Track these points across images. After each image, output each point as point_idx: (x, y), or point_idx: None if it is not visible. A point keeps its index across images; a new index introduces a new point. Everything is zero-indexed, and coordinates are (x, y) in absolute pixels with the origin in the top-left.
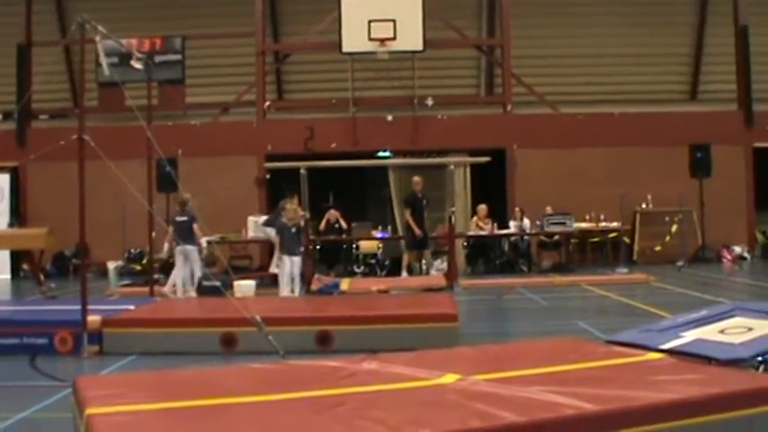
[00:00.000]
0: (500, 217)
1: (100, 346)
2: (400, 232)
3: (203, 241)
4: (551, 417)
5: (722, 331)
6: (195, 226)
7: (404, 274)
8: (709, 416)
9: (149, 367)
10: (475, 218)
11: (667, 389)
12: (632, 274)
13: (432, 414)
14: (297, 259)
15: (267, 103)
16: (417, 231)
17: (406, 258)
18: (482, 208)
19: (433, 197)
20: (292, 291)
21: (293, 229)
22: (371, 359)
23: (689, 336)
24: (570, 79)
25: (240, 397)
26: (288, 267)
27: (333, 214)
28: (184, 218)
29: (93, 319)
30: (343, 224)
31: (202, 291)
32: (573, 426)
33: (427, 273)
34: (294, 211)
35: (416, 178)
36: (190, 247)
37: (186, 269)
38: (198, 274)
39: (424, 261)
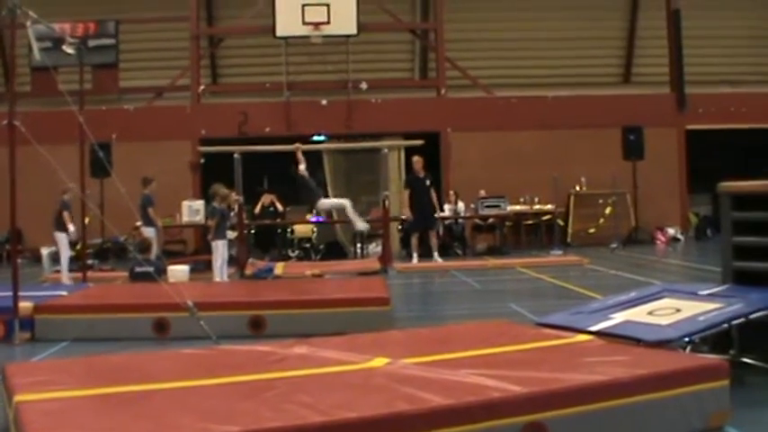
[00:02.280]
0: None
1: (32, 332)
2: (334, 215)
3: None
4: (479, 399)
5: (651, 313)
6: (66, 214)
7: (414, 258)
8: (637, 396)
9: (81, 353)
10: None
11: (595, 370)
12: (566, 257)
13: (360, 398)
14: (226, 243)
15: (201, 88)
16: (408, 213)
17: (414, 241)
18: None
19: (366, 181)
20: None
21: (228, 213)
22: (302, 344)
23: (618, 317)
24: (504, 63)
25: (170, 382)
26: (223, 252)
27: (267, 198)
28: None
29: (24, 305)
30: (279, 207)
31: (135, 276)
32: (500, 408)
33: (432, 256)
34: (226, 194)
35: (416, 158)
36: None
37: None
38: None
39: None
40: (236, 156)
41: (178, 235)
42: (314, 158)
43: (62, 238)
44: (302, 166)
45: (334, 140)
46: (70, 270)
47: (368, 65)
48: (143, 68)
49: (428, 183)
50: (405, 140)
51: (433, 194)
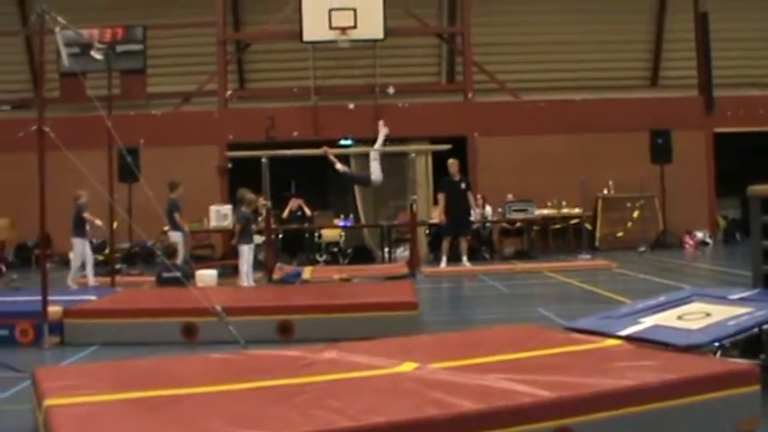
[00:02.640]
0: None
1: (61, 336)
2: (362, 220)
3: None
4: (508, 404)
5: (680, 317)
6: (86, 215)
7: (443, 262)
8: (666, 402)
9: (110, 358)
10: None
11: (624, 375)
12: (594, 261)
13: (389, 402)
14: (253, 247)
15: (228, 93)
16: (442, 217)
17: (445, 245)
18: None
19: (394, 185)
20: (254, 280)
21: (254, 218)
22: (331, 348)
23: (647, 322)
24: (531, 66)
25: (199, 387)
26: (249, 256)
27: (295, 202)
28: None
29: (53, 309)
30: (308, 211)
31: (163, 281)
32: (529, 413)
33: (461, 260)
34: (252, 199)
35: (452, 160)
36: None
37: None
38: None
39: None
40: (263, 160)
41: (206, 239)
42: (341, 162)
43: (78, 244)
44: (339, 165)
45: (362, 144)
46: (95, 274)
47: (395, 69)
48: (170, 74)
49: (463, 186)
50: (432, 145)
51: (471, 198)
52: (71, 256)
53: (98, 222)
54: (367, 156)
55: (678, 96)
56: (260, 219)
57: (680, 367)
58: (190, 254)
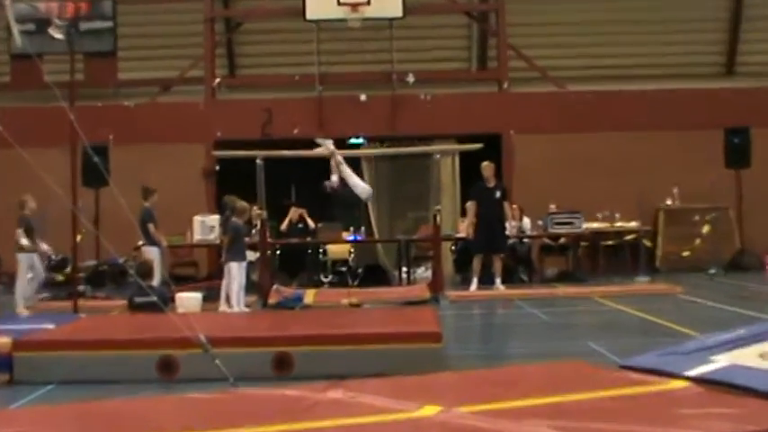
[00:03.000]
0: None
1: (10, 374)
2: (376, 234)
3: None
4: None
5: (762, 355)
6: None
7: (474, 284)
8: None
9: (70, 399)
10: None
11: (692, 425)
12: (654, 285)
13: None
14: (244, 266)
15: (217, 81)
16: (470, 231)
17: (476, 264)
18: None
19: (414, 192)
20: (246, 305)
21: (246, 230)
22: (337, 387)
23: (721, 360)
24: (578, 51)
25: None
26: (240, 276)
27: (296, 213)
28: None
29: (0, 341)
30: (310, 223)
31: (136, 306)
32: None
33: (494, 283)
34: (244, 207)
35: (486, 163)
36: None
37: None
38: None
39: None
40: (258, 161)
41: (188, 256)
42: (350, 166)
43: (23, 259)
44: (334, 178)
45: (376, 144)
46: (51, 297)
47: (416, 54)
48: (146, 57)
49: (498, 194)
50: (459, 144)
51: (507, 208)
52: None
53: (43, 247)
54: (385, 158)
55: (759, 87)
56: (253, 231)
57: (764, 418)
58: (168, 273)
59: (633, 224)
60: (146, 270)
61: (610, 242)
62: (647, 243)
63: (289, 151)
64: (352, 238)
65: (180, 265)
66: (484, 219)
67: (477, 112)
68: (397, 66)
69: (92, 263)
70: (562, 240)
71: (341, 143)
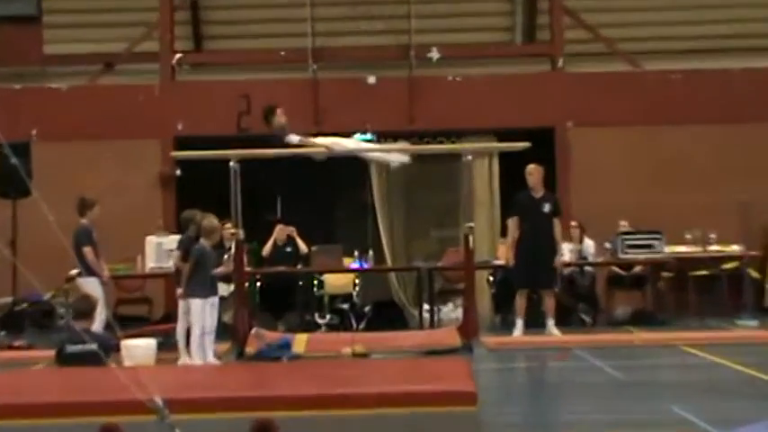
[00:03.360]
0: None
1: None
2: (388, 260)
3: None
4: None
5: None
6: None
7: (518, 327)
8: None
9: None
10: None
11: None
12: (764, 330)
13: None
14: (213, 303)
15: (177, 57)
16: (509, 256)
17: (520, 300)
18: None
19: (438, 206)
20: (213, 356)
21: (214, 255)
22: None
23: None
24: (658, 16)
25: None
26: (203, 316)
27: (283, 232)
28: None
29: None
30: (302, 246)
31: (67, 358)
32: None
33: (545, 325)
34: (213, 227)
35: (532, 167)
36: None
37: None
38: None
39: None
40: (232, 164)
41: (139, 290)
42: (355, 171)
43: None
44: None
45: (388, 141)
46: None
47: (441, 21)
48: (82, 24)
49: (548, 208)
50: (499, 142)
51: (557, 227)
52: None
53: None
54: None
55: None
56: (225, 257)
57: None
58: (113, 313)
59: (734, 248)
60: (84, 309)
61: (702, 272)
62: (754, 274)
63: (273, 150)
64: (356, 265)
65: (128, 303)
66: (530, 241)
67: (523, 99)
68: (417, 37)
69: (6, 300)
70: (637, 269)
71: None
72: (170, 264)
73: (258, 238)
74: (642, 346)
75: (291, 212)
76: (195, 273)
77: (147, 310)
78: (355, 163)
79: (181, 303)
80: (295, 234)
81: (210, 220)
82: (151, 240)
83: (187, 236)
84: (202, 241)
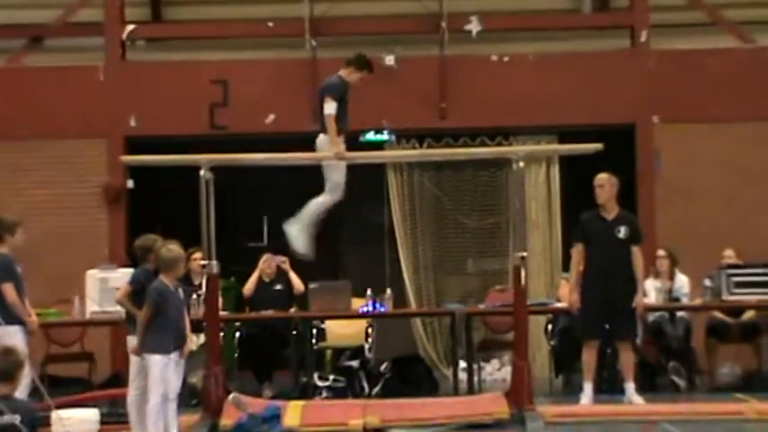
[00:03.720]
0: None
1: None
2: (411, 301)
3: None
4: None
5: None
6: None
7: (586, 393)
8: None
9: None
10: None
11: None
12: None
13: None
14: (178, 360)
15: (129, 29)
16: (575, 298)
17: (588, 356)
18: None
19: (479, 227)
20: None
21: (179, 295)
22: None
23: None
24: None
25: None
26: (163, 378)
27: (270, 264)
28: None
29: None
30: (296, 282)
31: None
32: None
33: (622, 390)
34: (174, 257)
35: (603, 176)
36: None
37: None
38: None
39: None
40: (203, 173)
41: (77, 342)
42: (368, 181)
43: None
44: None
45: (412, 142)
46: None
47: None
48: None
49: (623, 233)
50: (560, 144)
51: (637, 258)
52: None
53: None
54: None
55: None
56: (193, 297)
57: None
58: (40, 374)
59: None
60: (4, 368)
61: None
62: None
63: (258, 155)
64: (369, 308)
65: (62, 359)
66: (600, 276)
67: (593, 86)
68: (451, 3)
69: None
70: (748, 316)
71: (349, 142)
72: (118, 307)
73: (238, 272)
74: (756, 420)
75: (282, 237)
76: (154, 319)
77: (87, 369)
78: (368, 171)
79: (133, 360)
80: (287, 266)
81: (171, 248)
82: (93, 276)
83: (142, 269)
84: (162, 277)
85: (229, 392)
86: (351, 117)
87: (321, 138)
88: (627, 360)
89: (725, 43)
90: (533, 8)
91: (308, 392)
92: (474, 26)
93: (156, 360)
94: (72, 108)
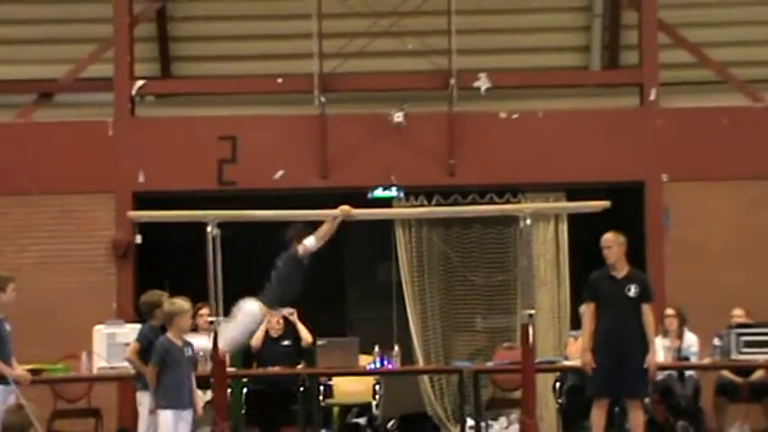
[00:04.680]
0: None
1: None
2: (419, 358)
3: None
4: None
5: None
6: None
7: None
8: None
9: None
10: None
11: None
12: None
13: None
14: (188, 416)
15: (139, 85)
16: (588, 357)
17: (597, 416)
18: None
19: (487, 284)
20: None
21: (188, 352)
22: None
23: None
24: None
25: None
26: None
27: (277, 317)
28: None
29: None
30: (305, 336)
31: None
32: None
33: None
34: (181, 310)
35: (610, 236)
36: None
37: None
38: None
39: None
40: (211, 229)
41: (85, 397)
42: (375, 237)
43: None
44: (310, 241)
45: (420, 199)
46: None
47: (491, 38)
48: (9, 41)
49: (633, 292)
50: (568, 202)
51: (647, 317)
52: None
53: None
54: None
55: None
56: (200, 354)
57: None
58: (47, 430)
59: None
60: (19, 423)
61: None
62: None
63: (266, 212)
64: (377, 365)
65: (69, 415)
66: (610, 335)
67: (602, 144)
68: (460, 60)
69: None
70: (758, 375)
71: (357, 199)
72: (125, 363)
73: None
74: None
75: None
76: (162, 376)
77: (94, 425)
78: (376, 227)
79: (142, 416)
80: (295, 317)
81: (174, 302)
82: (101, 331)
83: (149, 326)
84: (168, 333)
85: None
86: (360, 175)
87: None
88: (637, 419)
89: (734, 101)
90: (542, 65)
91: None
92: (483, 83)
93: (166, 416)
94: (80, 163)
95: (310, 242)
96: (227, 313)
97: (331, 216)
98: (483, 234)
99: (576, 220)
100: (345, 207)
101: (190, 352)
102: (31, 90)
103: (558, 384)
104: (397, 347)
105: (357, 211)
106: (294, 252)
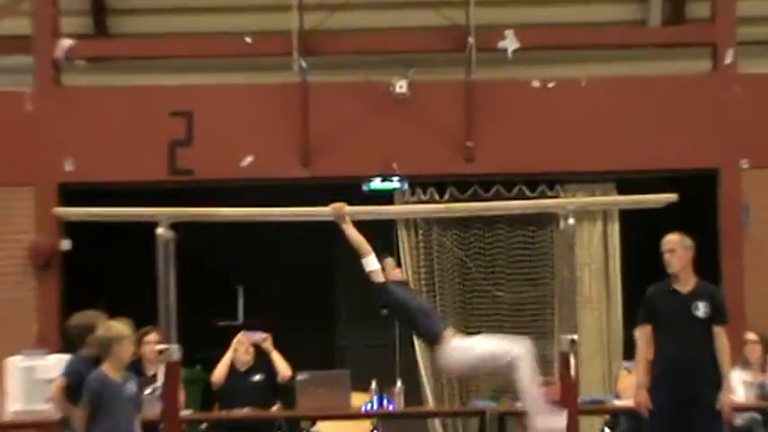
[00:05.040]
0: None
1: None
2: (429, 398)
3: None
4: None
5: None
6: None
7: None
8: None
9: None
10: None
11: None
12: None
13: None
14: None
15: (66, 44)
16: (644, 395)
17: None
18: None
19: (514, 300)
20: None
21: (129, 390)
22: None
23: None
24: None
25: None
26: None
27: (245, 343)
28: None
29: None
30: (281, 369)
31: None
32: None
33: None
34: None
35: (674, 239)
36: None
37: None
38: None
39: None
40: (161, 231)
41: None
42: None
43: None
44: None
45: (429, 193)
46: None
47: None
48: None
49: (702, 311)
50: (620, 195)
51: (721, 342)
52: None
53: None
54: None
55: None
56: (148, 392)
57: None
58: None
59: None
60: None
61: None
62: None
63: (231, 210)
64: (374, 406)
65: None
66: (672, 365)
67: (663, 121)
68: (480, 13)
69: None
70: None
71: (349, 192)
72: (48, 406)
73: (205, 359)
74: None
75: (262, 311)
76: (94, 421)
77: None
78: (373, 228)
79: None
80: (269, 344)
81: (111, 326)
82: (16, 364)
83: (79, 357)
84: (104, 366)
85: None
86: (351, 162)
87: None
88: None
89: None
90: (586, 20)
91: None
92: (510, 43)
93: None
94: None
95: (365, 263)
96: (180, 340)
97: (320, 216)
98: (510, 237)
99: (630, 220)
100: (338, 204)
101: (131, 390)
102: None
103: (607, 429)
104: (399, 383)
105: (350, 208)
106: (376, 288)
